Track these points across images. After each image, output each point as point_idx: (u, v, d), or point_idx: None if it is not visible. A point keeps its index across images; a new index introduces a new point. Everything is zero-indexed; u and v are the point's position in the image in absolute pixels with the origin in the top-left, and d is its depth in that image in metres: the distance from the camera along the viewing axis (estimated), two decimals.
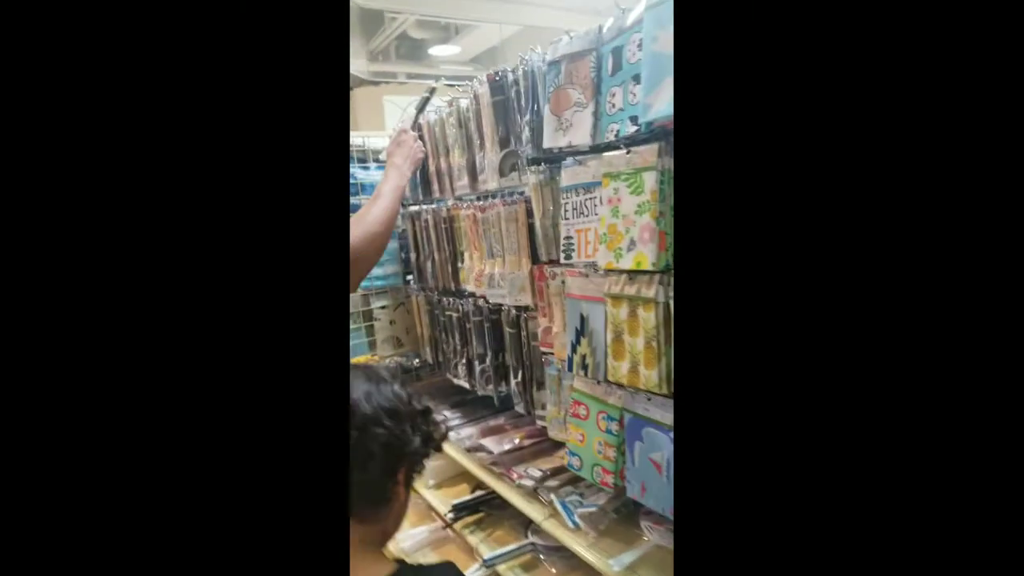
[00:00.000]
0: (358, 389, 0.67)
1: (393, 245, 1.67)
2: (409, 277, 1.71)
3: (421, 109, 1.34)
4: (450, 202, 1.46)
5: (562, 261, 1.01)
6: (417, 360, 1.72)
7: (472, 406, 1.51)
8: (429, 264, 1.53)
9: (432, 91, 1.30)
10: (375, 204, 1.21)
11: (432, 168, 1.42)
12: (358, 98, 3.58)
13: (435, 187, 1.45)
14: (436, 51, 3.81)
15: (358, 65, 3.52)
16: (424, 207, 1.53)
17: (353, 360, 1.65)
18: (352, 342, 1.63)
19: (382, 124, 3.30)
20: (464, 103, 1.28)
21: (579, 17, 3.37)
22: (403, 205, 1.50)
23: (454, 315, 1.45)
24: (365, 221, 1.16)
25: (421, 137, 1.40)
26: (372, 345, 1.67)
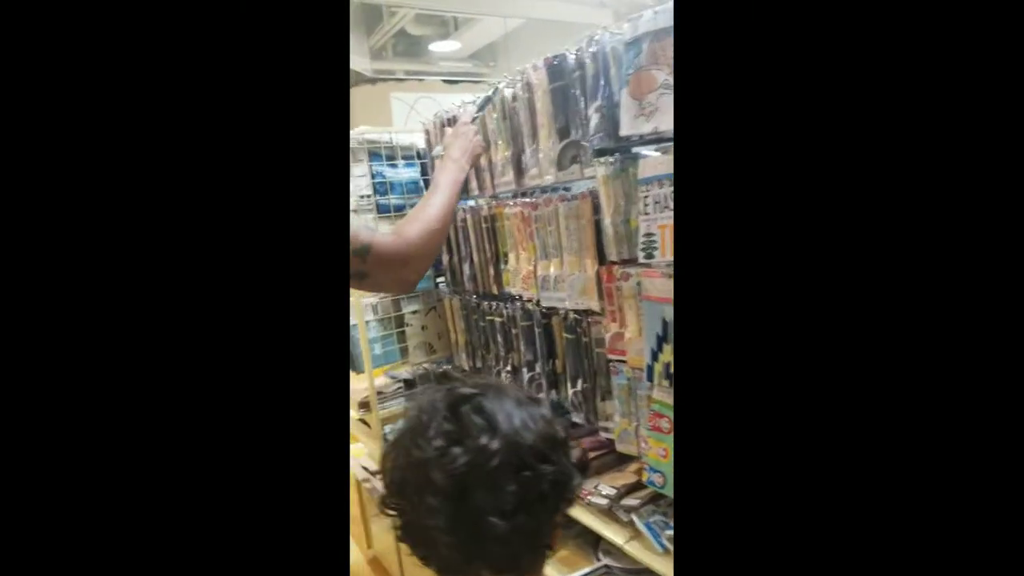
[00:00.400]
0: (514, 417, 0.54)
1: None
2: (440, 280, 1.62)
3: (483, 107, 1.26)
4: (482, 200, 1.37)
5: (641, 260, 0.92)
6: (450, 367, 1.63)
7: None
8: (466, 266, 1.44)
9: (496, 90, 1.22)
10: (432, 199, 1.12)
11: None
12: (364, 95, 3.48)
13: (473, 184, 1.36)
14: (436, 47, 3.72)
15: (360, 62, 3.41)
16: (461, 205, 1.43)
17: (386, 368, 1.56)
18: (384, 349, 1.54)
19: (389, 120, 3.22)
20: (509, 93, 1.19)
21: (584, 9, 3.28)
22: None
23: (497, 319, 1.36)
24: (421, 217, 1.08)
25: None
26: (404, 352, 1.58)
